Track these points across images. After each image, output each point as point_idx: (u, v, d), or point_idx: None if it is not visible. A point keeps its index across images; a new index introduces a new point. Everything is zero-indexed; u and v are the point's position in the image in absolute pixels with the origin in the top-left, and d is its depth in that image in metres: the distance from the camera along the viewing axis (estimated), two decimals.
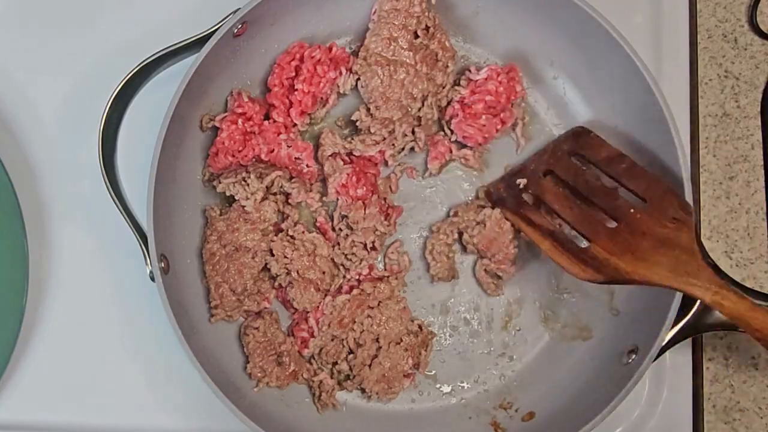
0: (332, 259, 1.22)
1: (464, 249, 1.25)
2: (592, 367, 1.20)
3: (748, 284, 1.21)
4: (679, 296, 1.11)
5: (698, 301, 1.12)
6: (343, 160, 1.23)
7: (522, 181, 1.22)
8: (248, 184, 1.17)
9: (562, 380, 1.22)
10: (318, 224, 1.22)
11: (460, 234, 1.24)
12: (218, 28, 1.11)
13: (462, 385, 1.24)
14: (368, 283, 1.21)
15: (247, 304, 1.20)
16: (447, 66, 1.24)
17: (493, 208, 1.23)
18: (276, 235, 1.20)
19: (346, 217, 1.22)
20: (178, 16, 1.27)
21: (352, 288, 1.22)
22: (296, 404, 1.21)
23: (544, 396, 1.22)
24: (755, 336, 1.00)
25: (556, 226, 1.18)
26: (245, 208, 1.17)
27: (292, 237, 1.20)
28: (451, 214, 1.25)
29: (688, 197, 1.12)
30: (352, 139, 1.23)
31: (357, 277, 1.23)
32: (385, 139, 1.22)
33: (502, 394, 1.24)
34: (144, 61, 1.12)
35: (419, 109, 1.23)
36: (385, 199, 1.24)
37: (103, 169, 1.12)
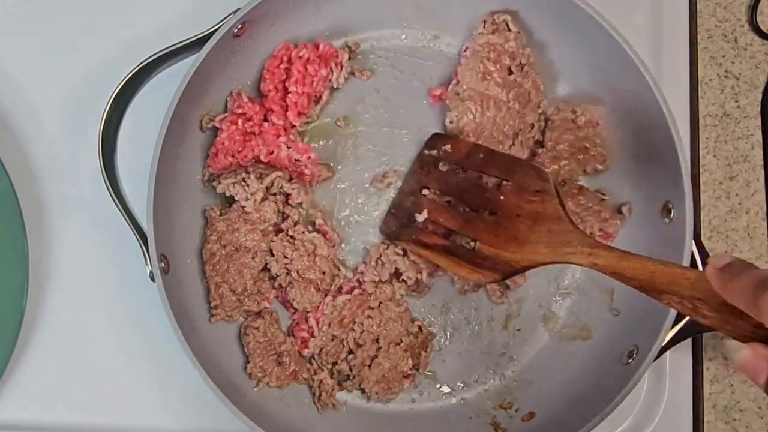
0: (332, 259, 1.21)
1: None
2: (592, 367, 1.20)
3: None
4: None
5: None
6: None
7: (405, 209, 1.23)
8: (248, 185, 1.17)
9: (562, 380, 1.22)
10: (318, 225, 1.22)
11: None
12: (218, 28, 1.11)
13: (462, 385, 1.24)
14: (369, 284, 1.21)
15: (247, 304, 1.20)
16: (539, 106, 1.24)
17: (390, 241, 1.23)
18: (276, 235, 1.20)
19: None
20: (178, 17, 1.27)
21: (352, 288, 1.22)
22: (296, 404, 1.21)
23: (544, 396, 1.22)
24: (632, 284, 0.96)
25: (447, 240, 1.18)
26: (245, 209, 1.17)
27: (292, 237, 1.20)
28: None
29: (689, 197, 1.12)
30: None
31: (358, 278, 1.23)
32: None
33: (502, 394, 1.24)
34: (144, 61, 1.12)
35: (510, 147, 1.23)
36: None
37: (103, 169, 1.12)
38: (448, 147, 1.20)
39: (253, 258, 1.19)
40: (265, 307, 1.22)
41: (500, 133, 1.22)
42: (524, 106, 1.23)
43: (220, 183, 1.17)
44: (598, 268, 1.01)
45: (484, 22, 1.22)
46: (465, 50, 1.24)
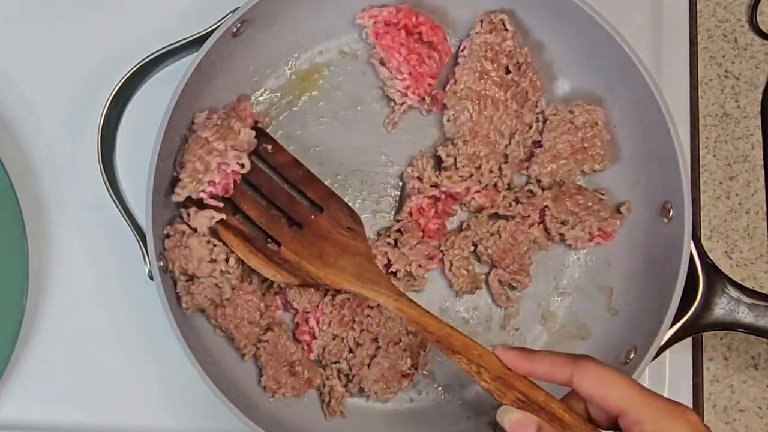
0: None
1: (478, 260, 1.25)
2: None
3: (748, 284, 1.21)
4: (677, 296, 1.11)
5: (696, 301, 1.13)
6: (420, 189, 1.24)
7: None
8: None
9: None
10: None
11: (474, 245, 1.24)
12: (217, 27, 1.11)
13: (460, 384, 1.24)
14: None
15: (264, 324, 1.20)
16: (536, 105, 1.24)
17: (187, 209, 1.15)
18: None
19: (400, 232, 1.23)
20: (176, 15, 1.27)
21: None
22: (294, 403, 1.21)
23: None
24: (430, 338, 1.06)
25: (249, 231, 1.17)
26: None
27: None
28: (464, 227, 1.25)
29: (688, 197, 1.12)
30: (439, 173, 1.23)
31: None
32: (472, 175, 1.23)
33: None
34: (143, 60, 1.12)
35: (506, 147, 1.23)
36: (442, 256, 1.25)
37: (102, 168, 1.12)
38: (269, 147, 1.19)
39: (249, 283, 1.19)
40: (279, 315, 1.22)
41: (497, 133, 1.22)
42: (522, 105, 1.23)
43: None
44: (403, 314, 1.08)
45: (481, 21, 1.22)
46: (462, 50, 1.24)
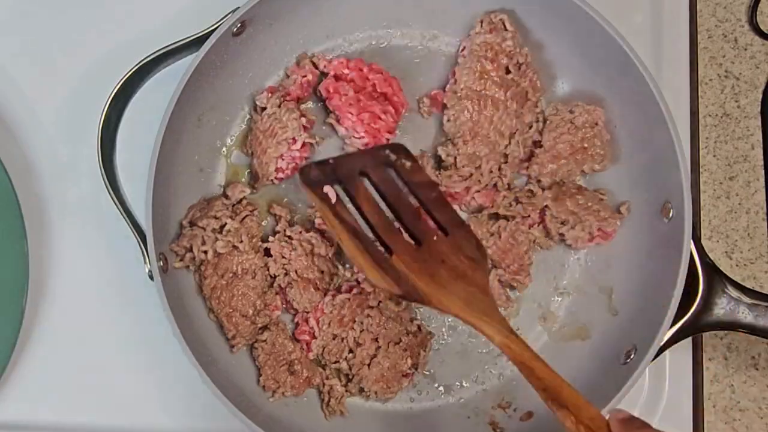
0: (331, 259, 1.21)
1: None
2: (590, 366, 1.20)
3: (748, 284, 1.21)
4: (677, 296, 1.11)
5: (697, 301, 1.13)
6: None
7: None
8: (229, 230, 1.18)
9: None
10: (317, 225, 1.22)
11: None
12: (217, 27, 1.11)
13: (460, 384, 1.24)
14: (368, 283, 1.21)
15: (260, 322, 1.20)
16: (536, 105, 1.25)
17: (305, 187, 1.11)
18: (272, 236, 1.21)
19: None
20: (176, 16, 1.27)
21: (351, 288, 1.22)
22: (294, 403, 1.21)
23: None
24: (535, 384, 0.99)
25: (362, 228, 1.11)
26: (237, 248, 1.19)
27: (289, 237, 1.20)
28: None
29: (688, 197, 1.12)
30: (439, 173, 1.24)
31: (356, 277, 1.23)
32: (472, 175, 1.23)
33: (500, 393, 1.23)
34: (143, 60, 1.12)
35: (506, 147, 1.23)
36: None
37: (102, 168, 1.12)
38: (408, 164, 1.15)
39: (253, 278, 1.20)
40: (277, 316, 1.23)
41: (497, 133, 1.22)
42: (522, 105, 1.23)
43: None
44: (510, 353, 1.02)
45: (481, 21, 1.22)
46: (462, 50, 1.24)
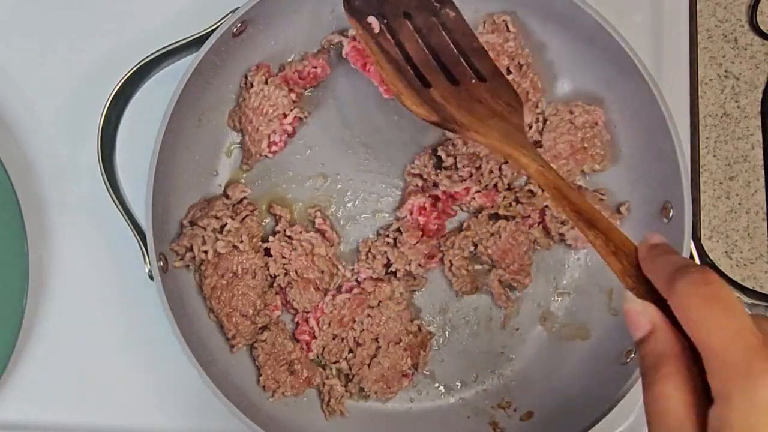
0: (331, 259, 1.22)
1: (478, 260, 1.26)
2: (590, 366, 1.20)
3: (748, 284, 1.21)
4: None
5: None
6: (423, 188, 1.24)
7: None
8: (229, 230, 1.18)
9: (561, 380, 1.22)
10: (317, 225, 1.23)
11: (474, 246, 1.24)
12: (217, 27, 1.11)
13: (460, 384, 1.24)
14: (369, 283, 1.21)
15: (260, 322, 1.20)
16: (537, 105, 1.25)
17: (349, 16, 1.12)
18: (273, 236, 1.21)
19: (400, 231, 1.23)
20: (176, 16, 1.28)
21: (352, 288, 1.22)
22: (294, 403, 1.21)
23: (542, 396, 1.22)
24: (568, 207, 0.94)
25: (403, 60, 1.11)
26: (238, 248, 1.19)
27: (289, 237, 1.20)
28: (464, 227, 1.25)
29: (688, 197, 1.12)
30: (438, 172, 1.23)
31: (356, 277, 1.23)
32: (472, 175, 1.23)
33: (500, 393, 1.24)
34: (143, 60, 1.12)
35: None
36: (442, 255, 1.25)
37: (102, 168, 1.12)
38: (452, 14, 1.15)
39: (253, 277, 1.20)
40: (277, 317, 1.23)
41: None
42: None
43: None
44: (543, 180, 0.99)
45: (484, 22, 1.22)
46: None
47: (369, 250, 1.22)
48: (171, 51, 1.13)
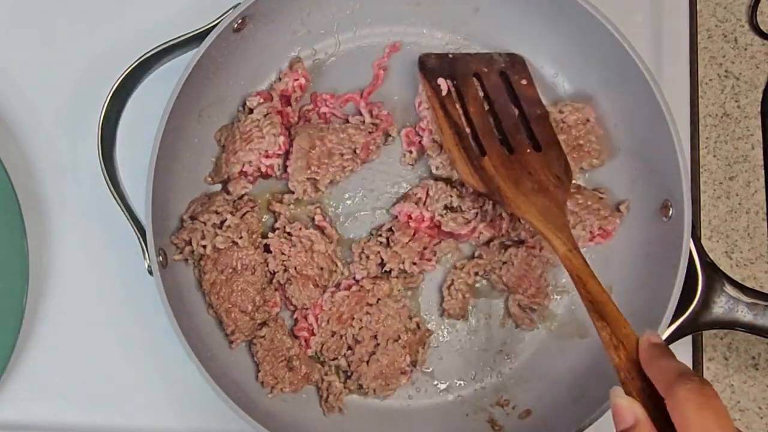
0: (330, 255, 1.22)
1: (493, 287, 1.25)
2: (589, 364, 1.20)
3: (748, 284, 1.21)
4: (676, 295, 1.11)
5: (696, 300, 1.13)
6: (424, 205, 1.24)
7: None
8: (229, 226, 1.19)
9: (559, 378, 1.22)
10: (317, 221, 1.22)
11: (484, 273, 1.24)
12: (218, 23, 1.11)
13: (459, 382, 1.24)
14: (367, 280, 1.21)
15: (259, 318, 1.20)
16: None
17: (422, 76, 1.23)
18: (272, 232, 1.21)
19: (392, 231, 1.23)
20: (177, 11, 1.28)
21: (350, 285, 1.22)
22: (292, 399, 1.21)
23: (541, 393, 1.22)
24: (585, 299, 1.04)
25: (463, 125, 1.20)
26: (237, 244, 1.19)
27: (289, 233, 1.20)
28: (476, 255, 1.24)
29: (688, 196, 1.12)
30: (444, 214, 1.23)
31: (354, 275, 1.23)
32: (477, 215, 1.23)
33: (499, 391, 1.23)
34: (143, 55, 1.13)
35: None
36: (434, 253, 1.25)
37: (102, 164, 1.12)
38: (524, 81, 1.24)
39: (252, 273, 1.19)
40: (276, 313, 1.22)
41: None
42: None
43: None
44: (569, 265, 1.08)
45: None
46: (419, 105, 1.24)
47: (362, 251, 1.22)
48: (171, 47, 1.13)
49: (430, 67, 1.23)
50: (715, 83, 1.31)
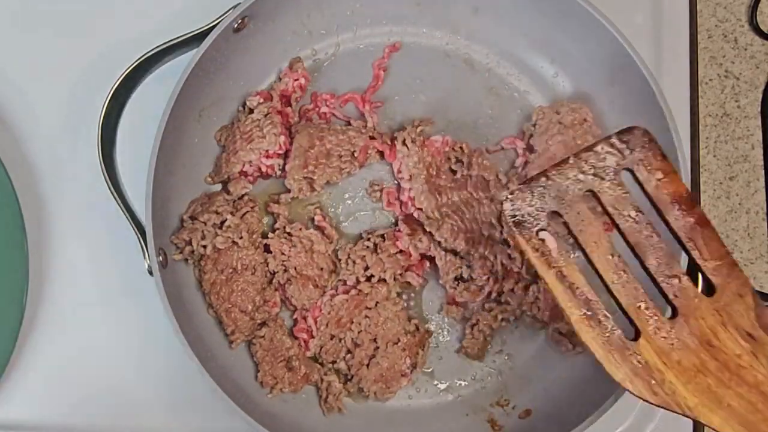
0: (330, 256, 1.22)
1: (533, 325, 1.24)
2: (589, 364, 1.19)
3: None
4: None
5: None
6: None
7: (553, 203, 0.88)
8: (229, 226, 1.19)
9: (559, 378, 1.22)
10: (317, 222, 1.23)
11: (515, 319, 1.23)
12: (218, 23, 1.12)
13: (459, 382, 1.24)
14: (366, 284, 1.21)
15: (258, 318, 1.20)
16: (499, 181, 1.23)
17: (517, 232, 0.87)
18: (272, 232, 1.21)
19: (383, 238, 1.23)
20: (177, 11, 1.28)
21: (349, 289, 1.22)
22: (292, 399, 1.21)
23: (541, 393, 1.22)
24: None
25: (594, 298, 0.86)
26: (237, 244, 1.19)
27: (289, 234, 1.20)
28: (503, 300, 1.23)
29: None
30: (456, 286, 1.22)
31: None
32: (488, 279, 1.22)
33: (499, 391, 1.23)
34: (143, 56, 1.13)
35: (502, 231, 1.22)
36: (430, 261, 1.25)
37: (102, 164, 1.12)
38: (660, 176, 0.88)
39: (252, 274, 1.20)
40: (276, 313, 1.22)
41: (487, 225, 1.22)
42: (485, 190, 1.23)
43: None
44: None
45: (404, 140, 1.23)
46: (399, 173, 1.24)
47: (348, 257, 1.22)
48: (172, 47, 1.14)
49: (525, 218, 0.86)
50: (715, 83, 1.31)
